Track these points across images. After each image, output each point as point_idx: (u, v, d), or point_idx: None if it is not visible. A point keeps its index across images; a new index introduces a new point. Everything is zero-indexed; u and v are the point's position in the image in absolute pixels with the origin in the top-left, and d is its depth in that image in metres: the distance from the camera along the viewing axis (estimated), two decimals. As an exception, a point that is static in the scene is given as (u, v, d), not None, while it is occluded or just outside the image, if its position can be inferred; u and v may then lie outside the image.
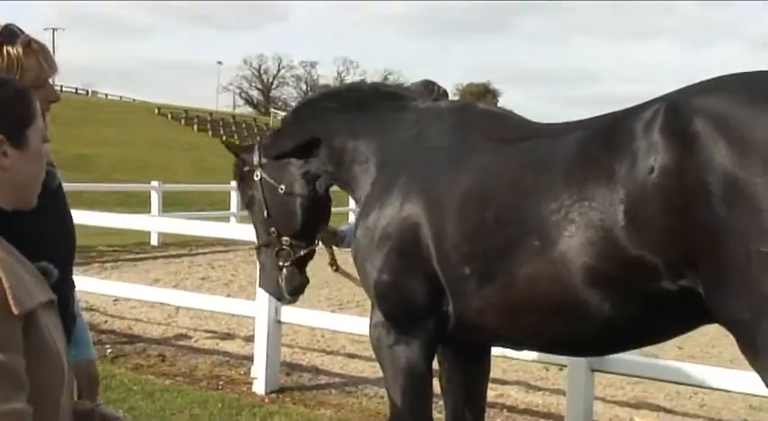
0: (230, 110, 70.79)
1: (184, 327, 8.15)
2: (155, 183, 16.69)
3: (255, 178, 3.61)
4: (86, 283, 7.39)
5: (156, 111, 48.55)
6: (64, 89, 66.64)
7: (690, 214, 2.27)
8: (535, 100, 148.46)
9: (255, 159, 3.62)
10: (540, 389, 6.32)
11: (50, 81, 2.15)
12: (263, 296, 5.97)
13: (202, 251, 14.86)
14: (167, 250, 14.86)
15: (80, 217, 8.24)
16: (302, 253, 3.60)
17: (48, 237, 1.99)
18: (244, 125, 50.61)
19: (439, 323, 2.96)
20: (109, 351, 6.96)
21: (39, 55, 2.08)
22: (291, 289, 3.64)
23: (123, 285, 7.79)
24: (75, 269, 8.01)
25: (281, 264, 3.60)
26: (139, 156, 33.55)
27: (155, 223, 9.34)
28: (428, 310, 2.95)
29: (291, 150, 3.52)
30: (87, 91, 71.53)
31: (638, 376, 5.03)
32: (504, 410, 5.75)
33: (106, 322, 8.25)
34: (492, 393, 6.11)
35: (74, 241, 2.21)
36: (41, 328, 1.47)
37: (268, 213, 3.58)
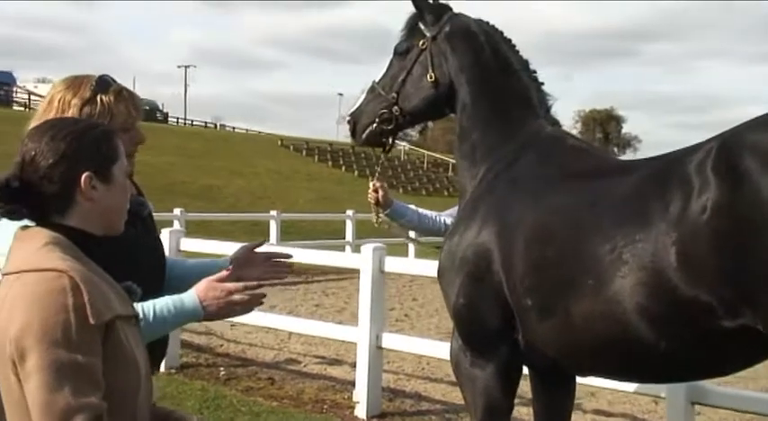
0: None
1: (295, 353, 8.43)
2: (273, 213, 17.33)
3: None
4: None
5: (279, 142, 50.16)
6: (195, 123, 69.98)
7: (743, 252, 2.28)
8: (662, 126, 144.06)
9: None
10: (645, 421, 6.18)
11: (137, 125, 2.37)
12: (365, 322, 6.15)
13: (317, 279, 15.24)
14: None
15: (203, 246, 8.77)
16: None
17: (136, 260, 2.22)
18: (363, 155, 51.50)
19: (512, 349, 3.03)
20: (222, 373, 7.29)
21: (128, 102, 2.33)
22: None
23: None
24: None
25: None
26: (263, 187, 34.73)
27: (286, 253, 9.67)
28: (501, 336, 3.03)
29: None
30: (216, 124, 74.76)
31: (742, 410, 4.87)
32: (606, 442, 5.66)
33: (222, 346, 8.63)
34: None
35: (161, 263, 2.42)
36: (120, 338, 1.67)
37: None
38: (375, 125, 3.61)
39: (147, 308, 2.09)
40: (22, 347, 1.57)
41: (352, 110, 3.72)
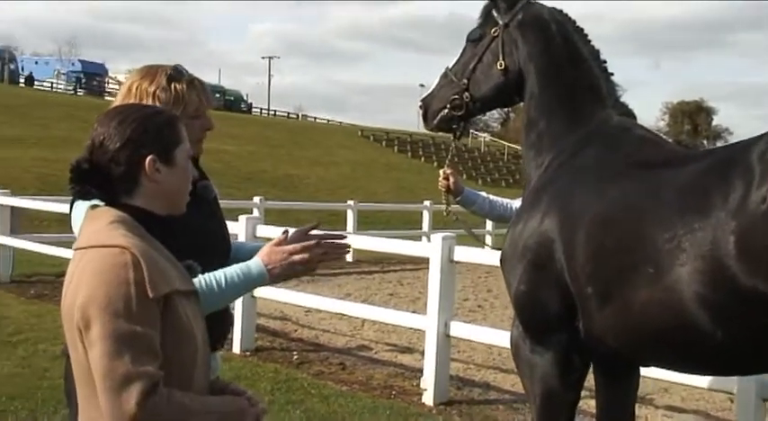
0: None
1: (367, 339, 8.55)
2: (350, 203, 17.50)
3: None
4: (282, 294, 7.97)
5: (360, 133, 50.53)
6: (278, 113, 71.09)
7: None
8: (753, 118, 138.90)
9: None
10: (719, 419, 6.06)
11: (207, 113, 2.50)
12: (433, 311, 6.21)
13: (393, 268, 15.36)
14: (360, 266, 15.50)
15: (278, 233, 8.91)
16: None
17: (201, 241, 2.33)
18: (443, 146, 51.41)
19: (572, 337, 3.04)
20: (295, 357, 7.47)
21: (199, 91, 2.46)
22: None
23: (312, 297, 8.29)
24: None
25: None
26: (342, 177, 35.09)
27: (349, 240, 9.82)
28: (561, 323, 3.05)
29: None
30: (298, 115, 75.78)
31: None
32: (676, 438, 5.58)
33: (296, 331, 8.83)
34: (666, 420, 5.97)
35: (225, 244, 2.52)
36: (178, 312, 1.78)
37: None
38: (446, 111, 3.66)
39: (218, 276, 2.20)
40: (87, 317, 1.69)
41: (424, 95, 3.78)
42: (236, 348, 7.57)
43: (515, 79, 3.52)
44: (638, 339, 2.85)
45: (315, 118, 74.29)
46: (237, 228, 7.80)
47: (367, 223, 20.46)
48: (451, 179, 3.99)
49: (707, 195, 2.62)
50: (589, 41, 3.50)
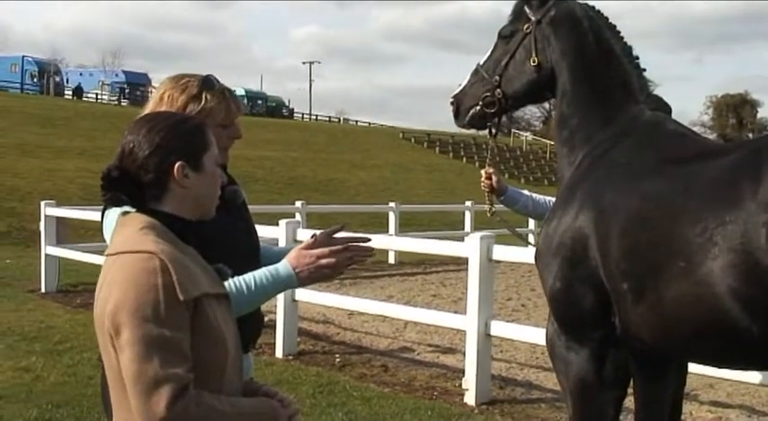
0: (472, 132, 71.93)
1: (409, 341, 8.56)
2: (392, 204, 17.54)
3: None
4: (323, 298, 8.04)
5: (401, 135, 50.55)
6: (319, 118, 71.51)
7: None
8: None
9: None
10: (765, 414, 5.95)
11: (236, 122, 2.54)
12: (473, 310, 6.21)
13: (435, 269, 15.35)
14: (403, 268, 15.52)
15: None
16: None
17: (230, 245, 2.38)
18: (484, 146, 51.16)
19: (608, 333, 3.02)
20: (338, 360, 7.51)
21: (228, 101, 2.49)
22: None
23: (353, 300, 8.34)
24: (317, 285, 8.68)
25: None
26: (383, 179, 35.14)
27: (389, 242, 9.87)
28: (596, 320, 3.03)
29: None
30: (339, 119, 76.16)
31: None
32: (721, 434, 5.50)
33: (339, 334, 8.87)
34: (710, 415, 5.88)
35: (254, 248, 2.55)
36: (208, 315, 1.81)
37: None
38: (478, 108, 3.66)
39: (248, 279, 2.24)
40: (117, 322, 1.73)
41: (456, 92, 3.78)
42: (279, 353, 7.64)
43: (548, 75, 3.51)
44: (673, 335, 2.83)
45: (356, 121, 74.56)
46: (278, 233, 7.88)
47: (409, 225, 20.48)
48: (494, 178, 3.98)
49: (737, 188, 2.60)
50: (622, 38, 3.48)
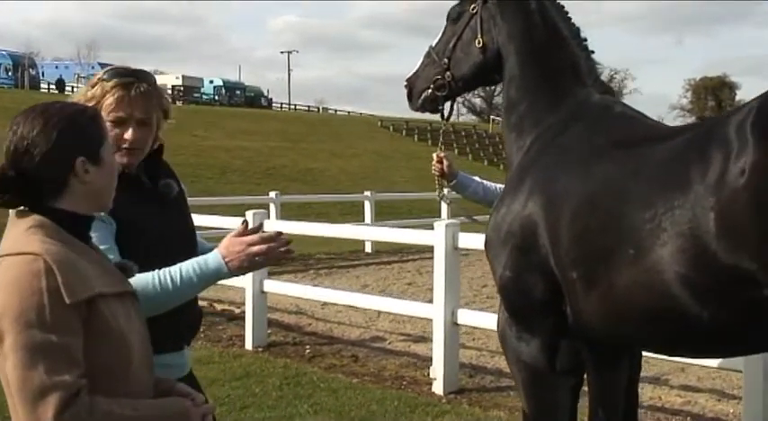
0: (453, 119, 71.96)
1: (382, 331, 8.50)
2: (367, 193, 17.46)
3: None
4: (291, 288, 7.97)
5: (379, 123, 50.47)
6: (298, 107, 71.22)
7: None
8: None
9: None
10: (735, 397, 5.94)
11: (132, 125, 2.34)
12: (439, 299, 6.15)
13: (412, 257, 15.29)
14: (379, 257, 15.46)
15: (285, 226, 8.92)
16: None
17: (161, 239, 2.30)
18: (463, 133, 51.25)
19: (559, 323, 2.96)
20: (308, 351, 7.44)
21: (123, 97, 2.33)
22: None
23: (320, 290, 8.27)
24: (293, 275, 8.78)
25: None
26: (363, 168, 35.07)
27: (354, 231, 9.72)
28: (547, 309, 2.97)
29: None
30: (318, 108, 75.83)
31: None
32: (689, 418, 5.48)
33: (310, 325, 8.79)
34: (679, 400, 5.87)
35: (190, 241, 2.46)
36: (105, 316, 1.72)
37: None
38: (429, 91, 3.60)
39: (173, 271, 2.14)
40: (0, 329, 1.64)
41: (409, 75, 3.71)
42: (249, 345, 7.56)
43: (495, 57, 3.43)
44: (624, 323, 2.76)
45: (335, 111, 74.31)
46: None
47: (388, 213, 20.42)
48: (445, 163, 3.92)
49: (685, 171, 2.52)
50: (570, 19, 3.41)
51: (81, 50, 76.01)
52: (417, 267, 14.17)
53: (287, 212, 18.31)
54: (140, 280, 2.09)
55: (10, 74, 54.16)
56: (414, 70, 3.69)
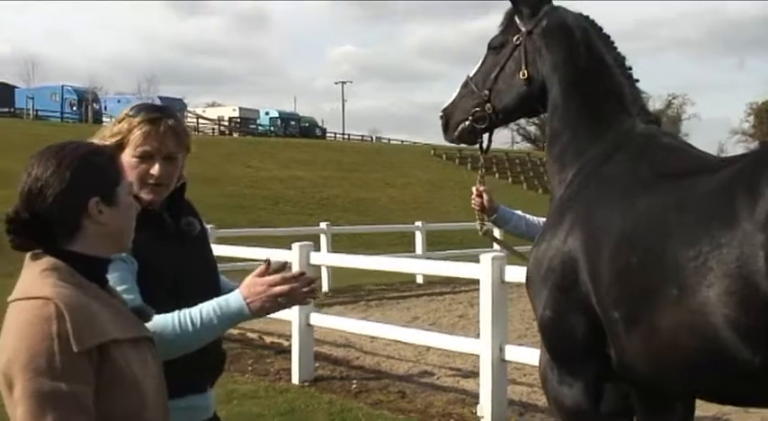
0: (507, 147, 71.57)
1: (431, 365, 8.35)
2: (418, 224, 17.34)
3: None
4: (338, 322, 7.90)
5: (432, 152, 50.40)
6: (352, 137, 71.68)
7: None
8: None
9: None
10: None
11: (159, 160, 2.31)
12: (486, 334, 6.00)
13: (464, 289, 15.08)
14: (431, 288, 15.30)
15: (331, 259, 8.85)
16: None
17: (182, 278, 2.26)
18: (517, 161, 50.87)
19: (602, 365, 2.82)
20: (354, 386, 7.33)
21: (151, 132, 2.30)
22: None
23: (363, 323, 8.17)
24: (343, 307, 8.74)
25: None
26: (414, 197, 34.99)
27: (394, 264, 9.40)
28: (589, 351, 2.83)
29: None
30: (372, 137, 76.20)
31: None
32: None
33: (358, 358, 8.69)
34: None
35: (212, 280, 2.40)
36: (117, 363, 1.67)
37: None
38: (467, 122, 3.52)
39: (193, 313, 2.10)
40: (9, 376, 1.60)
41: (445, 105, 3.63)
42: (295, 379, 7.49)
43: (539, 89, 3.34)
44: (669, 368, 2.60)
45: (389, 140, 74.58)
46: (291, 256, 7.75)
47: (439, 243, 20.26)
48: (485, 196, 3.82)
49: (732, 206, 2.38)
50: (615, 48, 3.31)
51: (141, 84, 77.89)
52: (469, 299, 13.97)
53: (338, 243, 18.34)
54: (159, 321, 2.04)
55: (75, 108, 55.71)
56: (450, 100, 3.61)
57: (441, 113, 3.65)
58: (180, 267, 2.29)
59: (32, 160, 1.80)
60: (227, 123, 61.12)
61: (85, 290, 1.72)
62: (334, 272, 14.17)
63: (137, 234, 2.09)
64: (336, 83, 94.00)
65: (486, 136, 3.65)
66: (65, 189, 1.74)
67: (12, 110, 52.95)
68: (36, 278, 1.70)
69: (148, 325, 1.93)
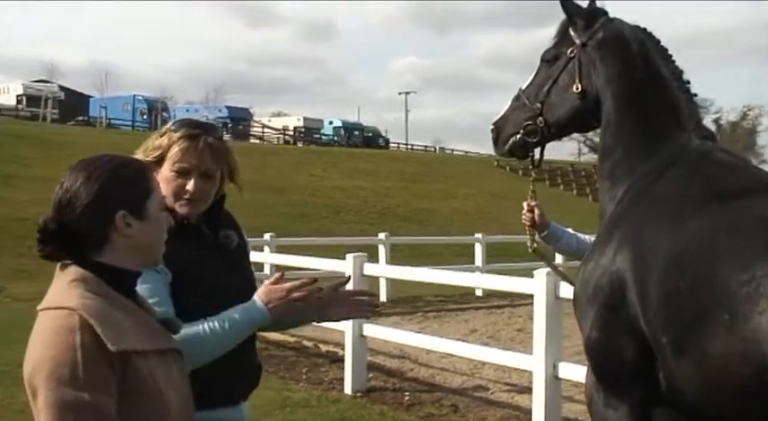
0: (574, 158, 70.64)
1: (485, 379, 8.25)
2: (478, 236, 17.21)
3: None
4: (391, 334, 7.87)
5: (496, 163, 50.06)
6: (415, 147, 71.74)
7: None
8: None
9: None
10: None
11: (195, 176, 2.33)
12: (539, 351, 5.89)
13: (524, 302, 14.86)
14: (490, 301, 15.13)
15: (385, 271, 8.80)
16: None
17: (219, 291, 2.27)
18: (583, 173, 50.16)
19: (650, 389, 2.72)
20: (407, 398, 7.28)
21: (190, 148, 2.32)
22: None
23: (415, 336, 8.09)
24: (400, 317, 8.75)
25: None
26: (477, 208, 34.78)
27: (451, 276, 9.24)
28: (637, 373, 2.73)
29: None
30: (435, 148, 76.12)
31: None
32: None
33: (412, 370, 8.63)
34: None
35: (243, 294, 2.41)
36: (141, 373, 1.68)
37: None
38: (518, 136, 3.45)
39: (219, 319, 2.14)
40: (33, 385, 1.62)
41: (496, 118, 3.58)
42: (348, 389, 7.48)
43: (593, 103, 3.25)
44: (718, 397, 2.48)
45: (452, 150, 74.39)
46: (346, 266, 7.76)
47: (500, 255, 20.04)
48: (536, 212, 3.75)
49: None
50: (673, 61, 3.20)
51: (209, 94, 79.39)
52: (529, 312, 13.64)
53: (398, 253, 18.31)
54: (190, 330, 2.07)
55: (145, 117, 57.13)
56: (501, 114, 3.55)
57: (491, 126, 3.59)
58: (217, 279, 2.31)
59: (67, 172, 1.83)
60: (291, 133, 61.85)
61: (112, 301, 1.73)
62: (393, 282, 14.15)
63: (174, 245, 2.10)
64: (400, 93, 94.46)
65: (537, 150, 3.58)
66: (92, 201, 1.76)
67: (86, 118, 54.60)
68: (64, 288, 1.72)
69: (178, 335, 1.94)
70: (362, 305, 2.34)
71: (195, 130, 2.35)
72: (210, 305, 2.18)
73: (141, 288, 2.02)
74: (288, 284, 2.18)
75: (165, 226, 1.88)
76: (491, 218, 31.79)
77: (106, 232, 1.78)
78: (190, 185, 2.32)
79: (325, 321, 2.41)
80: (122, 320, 1.70)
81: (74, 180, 1.79)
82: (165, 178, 2.30)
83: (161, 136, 2.37)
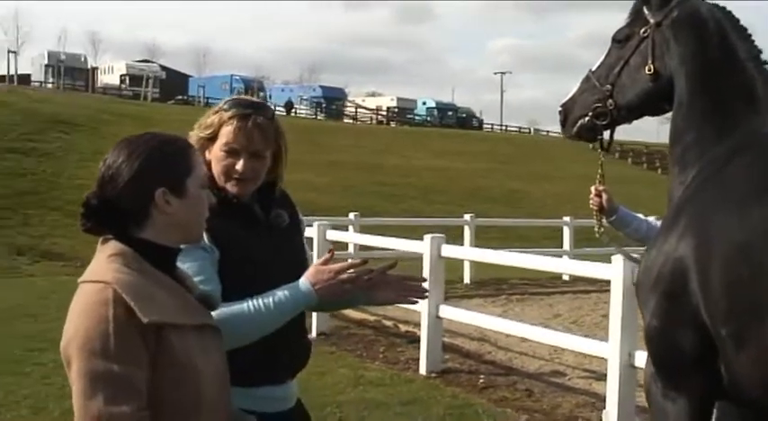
0: (657, 140, 68.43)
1: (564, 365, 8.13)
2: (567, 219, 16.89)
3: None
4: (464, 315, 7.84)
5: (591, 146, 49.03)
6: (509, 128, 70.91)
7: None
8: None
9: None
10: None
11: (245, 156, 2.33)
12: (615, 338, 5.76)
13: (607, 288, 14.58)
14: (576, 285, 14.87)
15: (462, 252, 8.72)
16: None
17: (269, 269, 2.28)
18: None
19: (710, 381, 2.62)
20: (481, 381, 7.24)
21: (239, 128, 2.33)
22: None
23: (489, 318, 8.00)
24: (483, 300, 8.76)
25: None
26: (568, 192, 34.09)
27: (533, 260, 8.88)
28: (697, 365, 2.65)
29: None
30: (530, 129, 75.00)
31: None
32: None
33: (490, 353, 8.58)
34: None
35: (299, 271, 2.42)
36: (174, 348, 1.72)
37: None
38: (587, 119, 3.36)
39: (265, 299, 2.14)
40: (68, 355, 1.68)
41: (565, 100, 3.49)
42: (423, 369, 7.50)
43: (666, 85, 3.13)
44: None
45: (548, 132, 73.15)
46: (423, 247, 7.75)
47: (588, 239, 19.64)
48: (604, 196, 3.65)
49: None
50: (752, 41, 3.05)
51: (303, 74, 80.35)
52: (615, 298, 13.47)
53: (487, 235, 18.15)
54: (235, 307, 2.09)
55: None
56: (570, 95, 3.45)
57: (559, 108, 3.51)
58: (265, 258, 2.32)
59: (112, 149, 1.88)
60: (384, 113, 62.03)
61: (148, 276, 1.77)
62: (479, 265, 14.06)
63: (222, 223, 2.14)
64: (495, 73, 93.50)
65: (606, 133, 3.48)
66: (133, 177, 1.81)
67: (185, 97, 56.11)
68: (102, 263, 1.77)
69: (216, 311, 1.97)
70: (411, 290, 2.31)
71: (246, 110, 2.36)
72: (258, 284, 2.19)
73: (189, 265, 2.06)
74: (336, 265, 2.17)
75: (205, 204, 1.91)
76: (582, 201, 30.99)
77: (146, 209, 1.83)
78: (239, 165, 2.34)
79: (372, 304, 2.40)
80: (157, 294, 1.75)
81: (116, 157, 1.84)
82: (216, 157, 2.34)
83: (214, 113, 2.39)
